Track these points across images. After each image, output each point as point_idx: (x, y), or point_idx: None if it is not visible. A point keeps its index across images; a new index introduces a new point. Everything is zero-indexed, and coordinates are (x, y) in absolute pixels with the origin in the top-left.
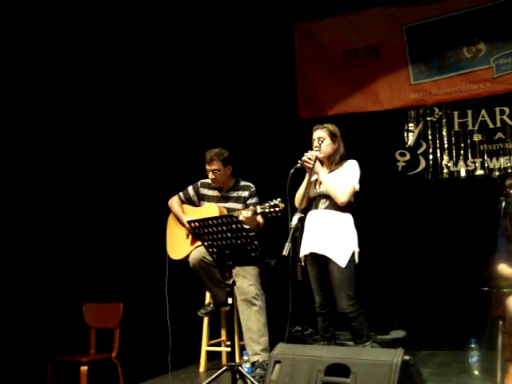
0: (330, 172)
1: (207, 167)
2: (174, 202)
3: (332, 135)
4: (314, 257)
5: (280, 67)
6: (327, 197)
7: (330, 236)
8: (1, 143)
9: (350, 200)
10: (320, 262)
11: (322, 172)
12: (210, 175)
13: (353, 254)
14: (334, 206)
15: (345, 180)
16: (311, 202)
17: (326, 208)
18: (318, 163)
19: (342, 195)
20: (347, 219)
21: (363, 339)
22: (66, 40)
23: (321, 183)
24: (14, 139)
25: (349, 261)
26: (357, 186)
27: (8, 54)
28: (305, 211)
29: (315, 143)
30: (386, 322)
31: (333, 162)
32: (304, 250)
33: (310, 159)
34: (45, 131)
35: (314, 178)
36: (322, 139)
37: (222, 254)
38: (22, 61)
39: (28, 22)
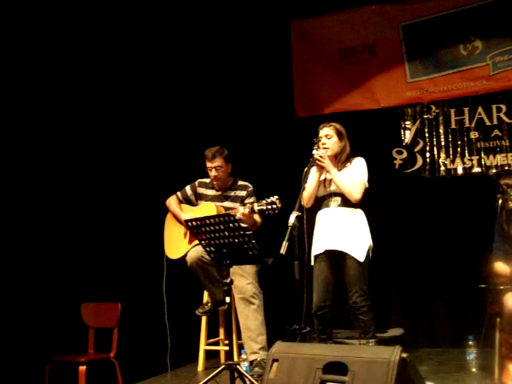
0: (339, 171)
1: (210, 164)
2: (171, 202)
3: (339, 133)
4: (328, 254)
5: (276, 65)
6: (338, 195)
7: (346, 232)
8: (0, 143)
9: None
10: (335, 259)
11: (334, 171)
12: (213, 172)
13: (369, 249)
14: (346, 203)
15: (355, 177)
16: (320, 201)
17: (338, 206)
18: (329, 162)
19: (357, 192)
20: (360, 215)
21: (368, 335)
22: (66, 40)
23: (331, 182)
24: (13, 139)
25: (365, 256)
26: (367, 183)
27: (8, 54)
28: (311, 211)
29: (323, 140)
30: (383, 319)
31: (339, 160)
32: (317, 249)
33: (321, 157)
34: (43, 131)
35: (322, 177)
36: (330, 136)
37: (220, 252)
38: (22, 61)
39: (28, 21)
